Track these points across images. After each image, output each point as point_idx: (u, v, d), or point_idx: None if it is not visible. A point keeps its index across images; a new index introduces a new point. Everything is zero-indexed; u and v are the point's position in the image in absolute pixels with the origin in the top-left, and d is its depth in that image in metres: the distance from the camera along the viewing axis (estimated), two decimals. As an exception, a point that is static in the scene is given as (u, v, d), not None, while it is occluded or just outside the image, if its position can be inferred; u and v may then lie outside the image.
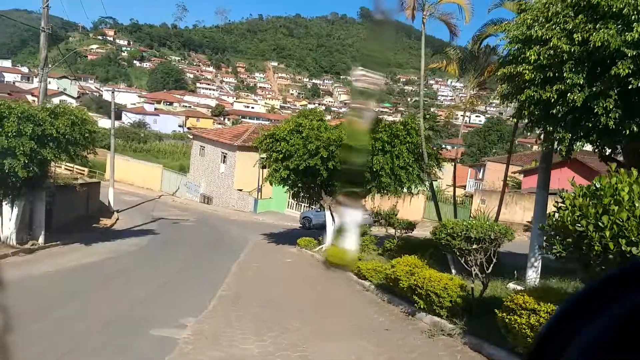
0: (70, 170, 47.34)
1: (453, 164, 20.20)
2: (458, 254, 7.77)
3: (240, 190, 35.13)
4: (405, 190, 15.50)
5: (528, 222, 24.41)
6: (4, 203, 13.65)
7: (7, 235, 13.71)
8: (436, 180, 19.22)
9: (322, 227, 26.25)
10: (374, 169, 13.96)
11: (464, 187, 43.95)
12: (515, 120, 9.79)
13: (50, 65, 15.31)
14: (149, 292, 9.71)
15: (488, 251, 7.67)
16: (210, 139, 37.83)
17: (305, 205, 31.70)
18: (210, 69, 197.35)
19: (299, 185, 15.76)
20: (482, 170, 44.41)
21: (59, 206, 19.01)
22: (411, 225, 16.33)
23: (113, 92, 30.84)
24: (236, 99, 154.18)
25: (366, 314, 8.50)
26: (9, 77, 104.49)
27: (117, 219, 26.94)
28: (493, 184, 37.07)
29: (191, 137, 45.26)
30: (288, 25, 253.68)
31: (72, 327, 6.91)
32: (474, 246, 7.56)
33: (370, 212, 26.39)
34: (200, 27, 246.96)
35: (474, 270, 7.73)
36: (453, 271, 10.70)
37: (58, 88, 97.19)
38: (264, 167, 31.58)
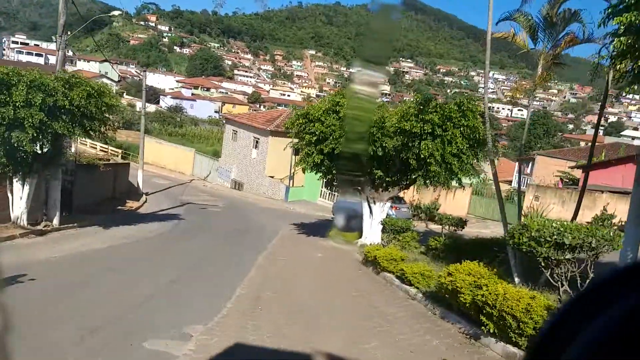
0: (105, 151, 47.61)
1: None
2: (543, 264, 5.88)
3: (272, 177, 33.80)
4: (454, 181, 13.51)
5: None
6: (14, 180, 12.61)
7: (18, 215, 12.68)
8: (481, 175, 17.08)
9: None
10: (422, 156, 12.07)
11: (509, 182, 41.16)
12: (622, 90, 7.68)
13: (69, 33, 14.11)
14: (156, 288, 8.29)
15: (584, 263, 5.77)
16: (242, 123, 36.62)
17: (335, 194, 30.01)
18: (248, 56, 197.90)
19: (334, 172, 14.07)
20: (530, 165, 41.41)
21: (80, 186, 18.08)
22: (462, 222, 14.34)
23: (145, 71, 29.95)
24: (272, 86, 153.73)
25: (416, 333, 6.74)
26: (52, 59, 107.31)
27: (145, 202, 26.11)
28: (544, 179, 34.20)
29: (224, 120, 44.29)
30: (327, 13, 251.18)
31: (43, 335, 5.49)
32: (567, 255, 5.66)
33: (409, 205, 24.44)
34: (240, 14, 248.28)
35: (562, 285, 5.85)
36: (516, 279, 8.76)
37: (100, 71, 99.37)
38: (296, 151, 30.16)
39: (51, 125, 11.65)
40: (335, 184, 15.64)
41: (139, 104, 79.82)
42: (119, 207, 22.21)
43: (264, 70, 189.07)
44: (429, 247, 13.55)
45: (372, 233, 14.16)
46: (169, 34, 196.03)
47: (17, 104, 11.01)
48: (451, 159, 12.22)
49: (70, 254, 10.68)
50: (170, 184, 35.42)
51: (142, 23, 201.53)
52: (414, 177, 12.87)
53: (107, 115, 13.30)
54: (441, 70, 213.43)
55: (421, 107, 12.17)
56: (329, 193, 31.11)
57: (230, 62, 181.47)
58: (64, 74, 12.44)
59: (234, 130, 37.73)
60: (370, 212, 14.30)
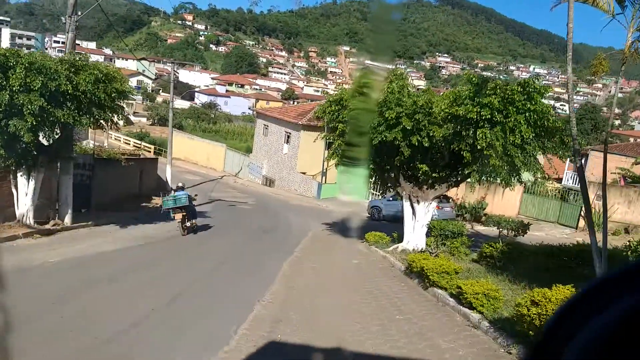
0: (138, 146, 47.55)
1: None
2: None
3: (304, 173, 32.26)
4: (515, 178, 11.40)
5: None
6: (18, 175, 11.48)
7: (23, 212, 11.56)
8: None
9: (394, 219, 22.65)
10: (478, 146, 10.08)
11: (558, 180, 37.99)
12: None
13: (80, 13, 12.89)
14: (157, 304, 6.78)
15: None
16: (274, 117, 35.22)
17: (374, 192, 28.10)
18: (283, 53, 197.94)
19: (371, 166, 12.26)
20: (583, 161, 38.07)
21: (100, 182, 17.04)
22: (524, 227, 12.20)
23: (173, 62, 28.94)
24: (306, 83, 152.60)
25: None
26: (93, 58, 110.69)
27: (172, 199, 25.09)
28: (600, 176, 31.08)
29: (255, 115, 43.06)
30: (362, 9, 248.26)
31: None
32: None
33: (453, 204, 22.30)
34: (275, 12, 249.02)
35: None
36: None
37: (137, 69, 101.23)
38: (328, 145, 28.55)
39: (53, 113, 10.39)
40: (372, 180, 13.80)
41: (175, 101, 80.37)
42: (144, 204, 21.17)
43: (298, 67, 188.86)
44: (483, 255, 11.55)
45: (414, 237, 12.28)
46: (205, 33, 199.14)
47: (14, 89, 9.80)
48: (513, 151, 10.17)
49: (71, 257, 9.38)
50: (200, 180, 34.55)
51: (179, 22, 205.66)
52: (466, 172, 10.90)
53: (118, 103, 11.97)
54: (479, 64, 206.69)
55: (478, 89, 10.18)
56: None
57: (264, 60, 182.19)
58: (70, 56, 11.17)
59: (265, 125, 36.43)
60: (413, 212, 12.41)
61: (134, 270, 8.93)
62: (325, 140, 31.08)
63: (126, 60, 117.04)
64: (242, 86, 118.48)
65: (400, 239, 13.18)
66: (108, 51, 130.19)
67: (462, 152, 10.62)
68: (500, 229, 12.51)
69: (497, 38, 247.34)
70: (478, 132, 10.08)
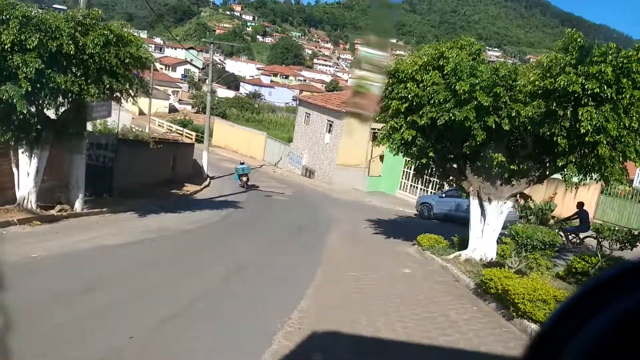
0: (180, 133, 47.04)
1: None
2: None
3: (346, 165, 30.06)
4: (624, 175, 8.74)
5: None
6: (20, 151, 10.00)
7: (24, 195, 10.10)
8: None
9: (447, 219, 20.15)
10: (581, 130, 7.56)
11: (630, 181, 33.82)
12: None
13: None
14: (138, 332, 4.87)
15: None
16: (316, 105, 33.18)
17: (422, 187, 25.56)
18: (329, 45, 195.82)
19: (430, 154, 9.93)
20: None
21: (125, 165, 15.59)
22: (633, 239, 9.48)
23: (212, 44, 27.45)
24: (351, 75, 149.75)
25: None
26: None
27: (206, 186, 23.68)
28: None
29: (297, 102, 41.16)
30: (411, 1, 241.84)
31: None
32: None
33: (515, 204, 19.50)
34: (322, 3, 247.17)
35: None
36: None
37: (185, 58, 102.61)
38: (373, 137, 26.37)
39: (53, 78, 8.75)
40: (430, 171, 11.42)
41: (220, 91, 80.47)
42: (174, 191, 19.74)
43: (344, 59, 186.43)
44: (573, 271, 9.01)
45: (483, 244, 9.85)
46: (253, 24, 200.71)
47: (6, 47, 8.21)
48: (629, 138, 7.59)
49: (58, 253, 7.71)
50: (239, 168, 33.21)
51: (227, 13, 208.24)
52: (560, 164, 8.38)
53: (135, 72, 10.25)
54: (531, 59, 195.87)
55: (582, 55, 7.64)
56: (410, 185, 26.72)
57: (310, 51, 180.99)
58: (77, 13, 9.49)
59: (306, 113, 34.48)
60: (482, 213, 9.97)
61: (128, 275, 7.09)
62: (370, 131, 28.99)
63: (175, 49, 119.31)
64: (287, 77, 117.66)
65: (462, 244, 10.80)
66: (158, 40, 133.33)
67: (554, 138, 8.11)
68: (599, 240, 9.81)
69: (551, 32, 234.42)
70: (581, 112, 7.55)
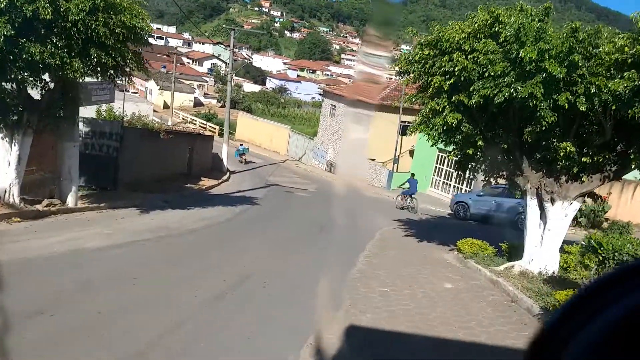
0: (203, 127, 46.21)
1: None
2: None
3: (373, 159, 28.29)
4: None
5: None
6: (-1, 136, 8.71)
7: (5, 187, 8.81)
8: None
9: (485, 220, 18.17)
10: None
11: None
12: None
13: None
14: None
15: None
16: (342, 97, 31.45)
17: (455, 184, 23.52)
18: (357, 40, 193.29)
19: (479, 143, 8.10)
20: None
21: (132, 156, 14.31)
22: None
23: (233, 29, 26.03)
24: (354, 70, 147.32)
25: None
26: (172, 42, 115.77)
27: (224, 181, 22.36)
28: None
29: (322, 94, 39.50)
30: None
31: None
32: None
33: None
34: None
35: None
36: None
37: (213, 53, 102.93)
38: (403, 130, 24.51)
39: (27, 48, 7.38)
40: (475, 166, 9.53)
41: (246, 85, 79.75)
42: (189, 185, 18.44)
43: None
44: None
45: (543, 254, 7.98)
46: (281, 19, 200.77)
47: (-33, 9, 6.88)
48: None
49: (22, 258, 6.32)
50: (261, 162, 32.11)
51: (256, 9, 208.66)
52: (616, 157, 6.48)
53: (130, 45, 8.82)
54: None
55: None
56: (442, 182, 24.68)
57: (338, 47, 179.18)
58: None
59: (332, 106, 32.80)
60: (542, 216, 8.09)
61: (81, 295, 5.53)
62: (400, 123, 27.04)
63: (202, 44, 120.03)
64: (314, 72, 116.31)
65: (514, 253, 8.95)
66: (187, 36, 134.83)
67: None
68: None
69: (589, 27, 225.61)
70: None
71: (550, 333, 0.57)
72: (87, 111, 14.86)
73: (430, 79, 8.08)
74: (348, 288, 7.04)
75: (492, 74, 6.96)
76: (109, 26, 8.18)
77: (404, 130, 28.07)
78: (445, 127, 8.15)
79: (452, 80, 7.71)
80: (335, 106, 32.18)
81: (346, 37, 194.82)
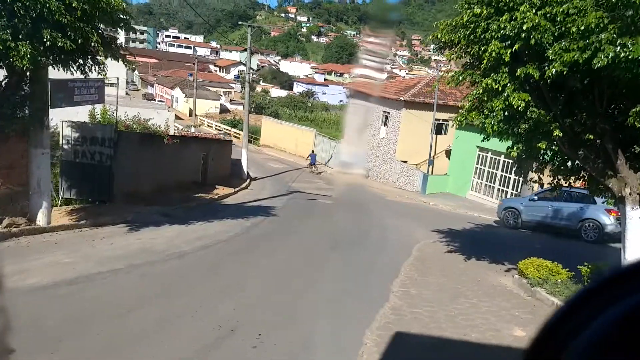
0: (228, 133, 45.06)
1: None
2: None
3: (405, 161, 25.95)
4: None
5: None
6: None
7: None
8: None
9: (541, 229, 15.55)
10: None
11: None
12: None
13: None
14: None
15: None
16: (370, 95, 29.24)
17: (499, 186, 20.90)
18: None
19: (555, 133, 5.84)
20: None
21: (130, 164, 12.63)
22: None
23: (250, 27, 24.34)
24: (408, 72, 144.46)
25: None
26: (200, 51, 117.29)
27: (243, 188, 20.59)
28: None
29: (348, 94, 37.37)
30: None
31: None
32: None
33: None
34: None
35: None
36: None
37: (240, 59, 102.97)
38: (437, 129, 22.41)
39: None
40: (542, 165, 7.19)
41: (273, 91, 78.72)
42: (199, 195, 16.68)
43: (400, 56, 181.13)
44: None
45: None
46: (307, 24, 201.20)
47: None
48: None
49: None
50: (285, 168, 30.33)
51: (282, 15, 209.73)
52: None
53: (96, 25, 7.00)
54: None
55: None
56: (485, 185, 22.06)
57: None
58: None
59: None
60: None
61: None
62: (434, 121, 24.59)
63: (230, 52, 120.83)
64: (341, 75, 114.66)
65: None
66: (214, 44, 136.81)
67: None
68: None
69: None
70: None
71: (550, 333, 0.57)
72: (80, 115, 13.35)
73: (483, 47, 5.87)
74: (378, 339, 4.91)
75: (582, 28, 4.71)
76: (67, 1, 6.40)
77: (438, 129, 25.71)
78: (506, 113, 5.91)
79: (516, 47, 5.48)
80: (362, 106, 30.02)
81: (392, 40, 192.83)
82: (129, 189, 12.80)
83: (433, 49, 7.25)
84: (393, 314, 6.16)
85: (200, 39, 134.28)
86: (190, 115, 50.46)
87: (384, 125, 27.72)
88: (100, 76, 7.93)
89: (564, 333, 0.55)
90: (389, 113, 27.20)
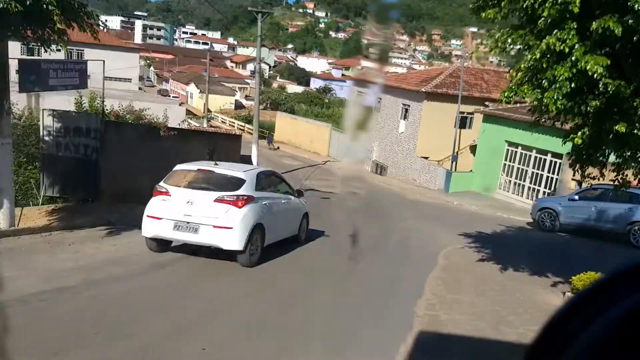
0: (242, 129, 43.93)
1: None
2: None
3: (426, 158, 24.26)
4: None
5: None
6: None
7: None
8: None
9: (582, 232, 13.72)
10: None
11: None
12: None
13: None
14: None
15: None
16: (388, 86, 27.59)
17: (531, 184, 19.08)
18: (404, 37, 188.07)
19: (639, 107, 4.33)
20: None
21: (119, 158, 11.37)
22: None
23: (259, 12, 22.98)
24: (428, 67, 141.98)
25: None
26: (217, 47, 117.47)
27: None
28: None
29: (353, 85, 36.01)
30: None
31: None
32: None
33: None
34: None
35: None
36: None
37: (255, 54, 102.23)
38: (461, 122, 20.97)
39: None
40: (603, 156, 5.65)
41: (290, 87, 77.50)
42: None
43: (420, 51, 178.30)
44: None
45: None
46: (326, 20, 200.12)
47: None
48: None
49: None
50: (299, 165, 29.09)
51: (300, 10, 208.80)
52: None
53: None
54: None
55: None
56: (515, 183, 20.24)
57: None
58: None
59: (377, 98, 29.03)
60: None
61: None
62: (458, 114, 22.80)
63: (247, 47, 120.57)
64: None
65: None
66: (231, 40, 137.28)
67: None
68: None
69: None
70: None
71: (550, 334, 0.57)
72: (73, 106, 12.17)
73: (546, 9, 4.28)
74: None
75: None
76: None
77: (462, 123, 23.91)
78: (573, 85, 4.33)
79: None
80: (380, 98, 28.41)
81: (393, 34, 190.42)
82: (119, 186, 11.53)
83: (470, 9, 5.55)
84: (419, 349, 4.68)
85: (217, 35, 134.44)
86: (204, 111, 49.63)
87: (404, 119, 26.06)
88: (61, 50, 6.59)
89: (564, 334, 0.55)
90: (408, 106, 25.53)
